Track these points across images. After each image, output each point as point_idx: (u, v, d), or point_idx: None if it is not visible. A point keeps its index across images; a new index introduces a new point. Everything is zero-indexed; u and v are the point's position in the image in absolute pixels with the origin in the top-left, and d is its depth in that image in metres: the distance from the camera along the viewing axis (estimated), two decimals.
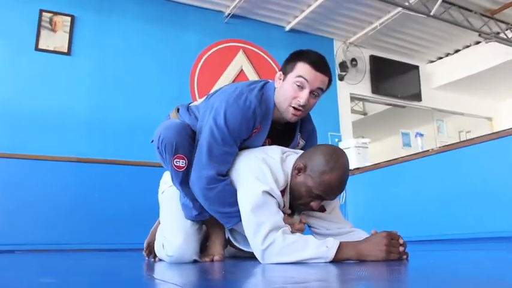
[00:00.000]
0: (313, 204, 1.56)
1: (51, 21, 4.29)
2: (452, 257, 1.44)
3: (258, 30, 5.35)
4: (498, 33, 5.37)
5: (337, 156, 1.54)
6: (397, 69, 6.41)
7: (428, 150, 3.94)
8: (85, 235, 3.73)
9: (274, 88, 1.73)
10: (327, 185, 1.50)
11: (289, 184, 1.59)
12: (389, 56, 6.37)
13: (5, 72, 4.01)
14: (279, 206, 1.53)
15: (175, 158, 1.66)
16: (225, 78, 4.96)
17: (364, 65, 6.09)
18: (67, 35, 4.32)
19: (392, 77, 6.34)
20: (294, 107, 1.66)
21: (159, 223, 1.97)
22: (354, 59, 5.94)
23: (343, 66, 5.80)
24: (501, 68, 5.99)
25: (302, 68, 1.64)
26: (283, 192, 1.57)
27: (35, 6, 4.25)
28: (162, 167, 1.84)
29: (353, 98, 6.26)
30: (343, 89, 5.86)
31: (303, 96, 1.64)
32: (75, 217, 3.73)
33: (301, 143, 1.88)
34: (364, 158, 4.64)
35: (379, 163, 4.42)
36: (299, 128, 1.85)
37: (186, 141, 1.67)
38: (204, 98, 1.89)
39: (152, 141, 1.80)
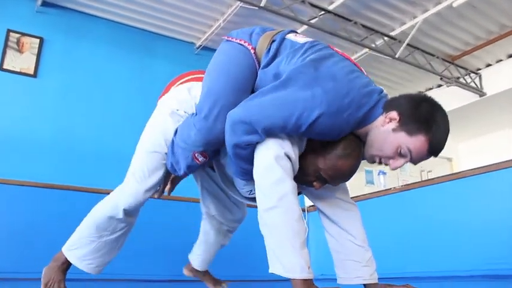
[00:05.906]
0: (316, 184, 1.51)
1: (18, 42, 4.21)
2: None
3: None
4: (458, 77, 5.61)
5: (356, 145, 1.46)
6: None
7: (390, 189, 4.02)
8: (39, 264, 3.57)
9: (378, 114, 1.43)
10: (338, 171, 1.44)
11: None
12: None
13: None
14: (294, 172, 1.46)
15: (198, 153, 1.64)
16: None
17: None
18: (34, 57, 4.24)
19: None
20: (380, 161, 1.47)
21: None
22: None
23: None
24: (461, 111, 6.20)
25: (418, 143, 1.38)
26: None
27: (2, 26, 4.17)
28: None
29: None
30: None
31: (397, 164, 1.43)
32: (30, 244, 3.57)
33: None
34: None
35: None
36: None
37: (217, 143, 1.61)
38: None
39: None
